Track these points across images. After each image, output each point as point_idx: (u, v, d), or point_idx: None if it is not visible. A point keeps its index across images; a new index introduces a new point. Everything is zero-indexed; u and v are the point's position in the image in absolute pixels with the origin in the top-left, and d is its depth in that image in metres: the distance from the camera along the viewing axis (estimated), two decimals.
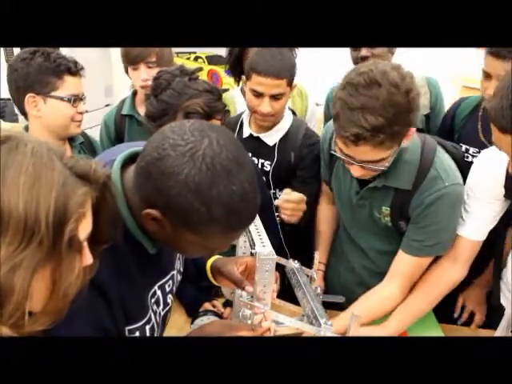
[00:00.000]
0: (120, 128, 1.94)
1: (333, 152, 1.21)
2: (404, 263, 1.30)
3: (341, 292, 1.41)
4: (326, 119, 1.93)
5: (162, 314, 1.02)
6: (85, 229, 0.65)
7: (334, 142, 1.19)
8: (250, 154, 1.68)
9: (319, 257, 1.56)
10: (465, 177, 1.31)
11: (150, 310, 0.95)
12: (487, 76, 1.54)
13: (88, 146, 1.66)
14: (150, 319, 0.94)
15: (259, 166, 1.69)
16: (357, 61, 1.84)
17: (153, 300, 0.96)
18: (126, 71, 1.91)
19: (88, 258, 0.67)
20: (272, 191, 1.71)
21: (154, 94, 1.30)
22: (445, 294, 1.34)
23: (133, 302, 0.88)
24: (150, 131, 1.85)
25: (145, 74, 1.79)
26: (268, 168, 1.67)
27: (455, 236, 1.33)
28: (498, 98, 0.96)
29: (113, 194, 0.73)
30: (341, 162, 1.29)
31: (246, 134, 1.68)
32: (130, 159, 0.86)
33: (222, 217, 0.73)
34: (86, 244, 0.66)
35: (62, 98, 1.43)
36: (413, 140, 1.22)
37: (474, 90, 3.38)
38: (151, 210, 0.75)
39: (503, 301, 1.40)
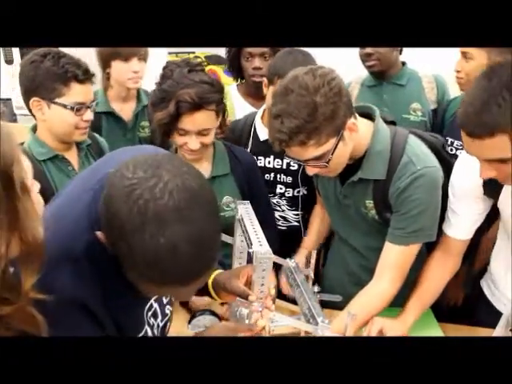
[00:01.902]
0: (94, 127, 1.78)
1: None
2: (391, 254, 1.31)
3: (343, 294, 1.41)
4: None
5: (161, 325, 1.00)
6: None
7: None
8: (273, 156, 1.71)
9: (305, 243, 1.65)
10: (446, 164, 1.33)
11: (147, 325, 0.94)
12: (468, 57, 1.57)
13: (95, 148, 1.62)
14: (146, 334, 0.93)
15: (284, 166, 1.72)
16: (363, 58, 1.91)
17: (149, 313, 0.95)
18: (105, 66, 1.88)
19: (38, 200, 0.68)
20: (298, 189, 1.75)
21: (159, 83, 1.35)
22: (446, 282, 1.37)
23: (126, 318, 0.87)
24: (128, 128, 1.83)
25: (137, 67, 1.81)
26: (295, 167, 1.71)
27: (444, 235, 1.34)
28: (467, 103, 0.98)
29: None
30: None
31: (264, 136, 1.68)
32: None
33: (142, 266, 0.67)
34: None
35: (65, 106, 1.39)
36: (383, 131, 1.28)
37: None
38: (99, 233, 0.73)
39: (491, 297, 1.41)
